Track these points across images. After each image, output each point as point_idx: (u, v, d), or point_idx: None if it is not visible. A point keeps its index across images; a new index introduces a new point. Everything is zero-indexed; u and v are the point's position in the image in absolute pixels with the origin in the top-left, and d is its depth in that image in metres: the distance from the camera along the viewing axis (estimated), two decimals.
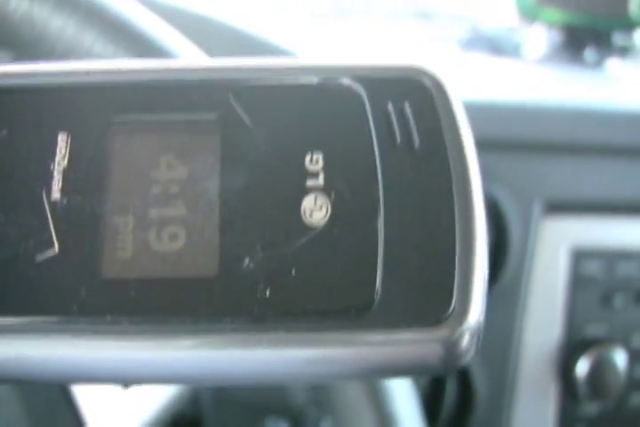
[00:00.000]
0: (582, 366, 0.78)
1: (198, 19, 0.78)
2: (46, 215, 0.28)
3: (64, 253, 0.28)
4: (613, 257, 0.80)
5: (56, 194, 0.29)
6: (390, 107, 0.30)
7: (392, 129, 0.29)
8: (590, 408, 0.81)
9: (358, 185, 0.29)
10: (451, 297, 0.27)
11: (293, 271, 0.27)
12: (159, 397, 0.72)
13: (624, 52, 1.10)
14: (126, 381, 0.30)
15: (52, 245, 0.28)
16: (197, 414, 0.78)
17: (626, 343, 0.80)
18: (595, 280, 0.79)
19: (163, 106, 0.30)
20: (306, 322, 0.27)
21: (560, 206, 0.79)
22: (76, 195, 0.29)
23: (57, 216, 0.28)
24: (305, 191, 0.29)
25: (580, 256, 0.79)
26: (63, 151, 0.29)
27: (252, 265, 0.28)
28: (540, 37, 1.10)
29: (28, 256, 0.28)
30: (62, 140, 0.29)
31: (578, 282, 0.79)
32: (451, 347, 0.27)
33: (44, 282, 0.28)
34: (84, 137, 0.30)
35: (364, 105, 0.30)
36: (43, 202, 0.28)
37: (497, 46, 1.11)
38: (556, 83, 0.95)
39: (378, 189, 0.28)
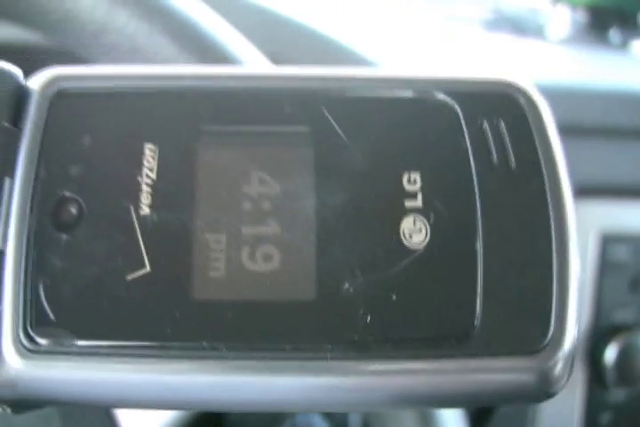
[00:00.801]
0: (610, 353, 0.77)
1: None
2: (135, 231, 0.27)
3: (155, 271, 0.27)
4: None
5: (145, 209, 0.28)
6: (486, 125, 0.29)
7: (489, 148, 0.29)
8: (618, 395, 0.80)
9: (456, 206, 0.28)
10: (549, 324, 0.27)
11: (394, 297, 0.27)
12: None
13: None
14: (221, 407, 0.29)
15: (142, 263, 0.27)
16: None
17: None
18: (623, 265, 0.78)
19: (254, 116, 0.29)
20: (407, 349, 0.27)
21: (589, 191, 0.78)
22: (166, 210, 0.28)
23: (146, 232, 0.27)
24: (404, 212, 0.28)
25: (608, 241, 0.78)
26: (151, 163, 0.28)
27: (351, 289, 0.27)
28: (563, 18, 1.08)
29: (117, 275, 0.27)
30: (150, 151, 0.28)
31: (606, 267, 0.78)
32: (545, 376, 0.27)
33: (136, 303, 0.27)
34: (173, 148, 0.28)
35: (459, 122, 0.29)
36: (131, 217, 0.27)
37: (520, 27, 1.10)
38: (581, 64, 0.93)
39: (476, 211, 0.28)
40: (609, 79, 0.85)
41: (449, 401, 0.29)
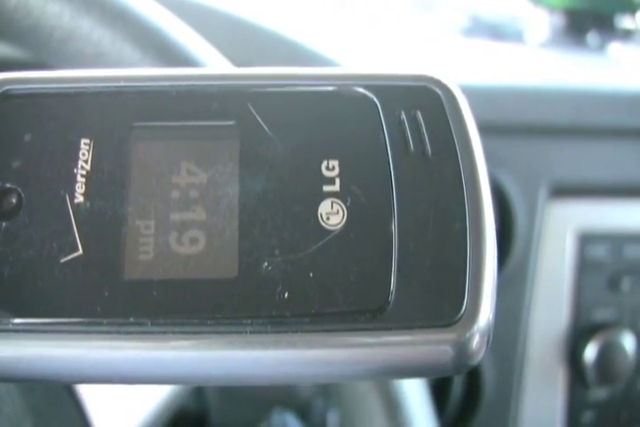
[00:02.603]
0: (590, 351, 0.78)
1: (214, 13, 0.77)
2: (70, 218, 0.29)
3: (87, 254, 0.29)
4: (620, 240, 0.79)
5: (79, 197, 0.29)
6: (403, 115, 0.31)
7: (405, 136, 0.30)
8: (599, 393, 0.80)
9: (373, 191, 0.30)
10: (462, 299, 0.28)
11: (311, 274, 0.28)
12: (162, 391, 0.71)
13: (626, 35, 1.10)
14: (146, 381, 0.30)
15: (75, 246, 0.29)
16: (202, 407, 0.78)
17: (634, 327, 0.79)
18: (602, 264, 0.79)
19: (183, 113, 0.31)
20: (322, 324, 0.28)
21: (565, 190, 0.79)
22: (99, 198, 0.29)
23: (80, 219, 0.29)
24: (322, 197, 0.30)
25: (586, 240, 0.79)
26: (86, 156, 0.30)
27: (270, 268, 0.28)
28: (542, 23, 1.09)
29: (52, 258, 0.28)
30: (85, 145, 0.30)
31: (585, 266, 0.79)
32: (462, 348, 0.28)
33: (68, 283, 0.28)
34: (107, 142, 0.30)
35: (378, 113, 0.31)
36: (66, 205, 0.29)
37: (499, 33, 1.11)
38: (559, 66, 0.94)
39: (392, 195, 0.29)
40: (585, 80, 0.85)
41: (366, 374, 0.29)
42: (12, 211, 0.29)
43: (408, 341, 0.28)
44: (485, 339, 0.28)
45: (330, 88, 0.32)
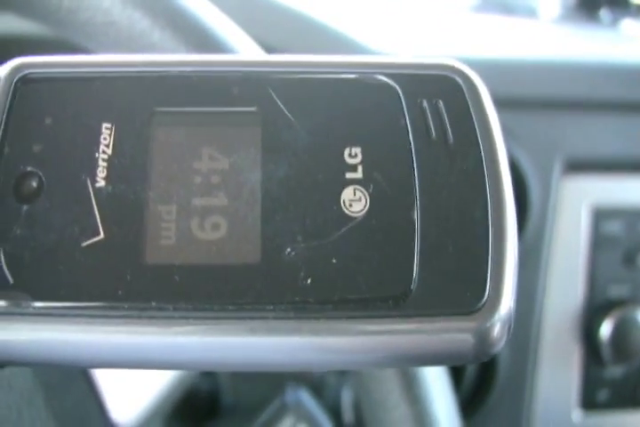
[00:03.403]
0: (606, 328, 0.77)
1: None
2: (91, 202, 0.29)
3: (109, 238, 0.29)
4: (635, 216, 0.79)
5: (101, 181, 0.29)
6: (425, 103, 0.31)
7: (427, 124, 0.31)
8: (615, 371, 0.80)
9: (395, 178, 0.30)
10: (484, 288, 0.28)
11: (334, 260, 0.28)
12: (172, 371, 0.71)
13: (639, 11, 1.09)
14: (167, 366, 0.31)
15: (97, 230, 0.29)
16: (213, 386, 0.77)
17: None
18: (617, 240, 0.78)
19: (205, 98, 0.31)
20: (345, 310, 0.28)
21: (580, 165, 0.78)
22: (120, 183, 0.29)
23: (102, 203, 0.29)
24: (344, 183, 0.30)
25: (601, 215, 0.78)
26: (107, 140, 0.30)
27: (293, 254, 0.29)
28: None
29: (73, 242, 0.28)
30: (107, 129, 0.30)
31: (599, 242, 0.78)
32: (483, 337, 0.28)
33: (90, 267, 0.28)
34: (128, 127, 0.31)
35: (400, 101, 0.31)
36: (88, 189, 0.29)
37: (510, 9, 1.10)
38: (571, 42, 0.93)
39: (414, 182, 0.30)
40: (598, 54, 0.84)
41: (387, 361, 0.30)
42: (33, 194, 0.29)
43: (430, 328, 0.28)
44: (507, 327, 0.28)
45: (352, 75, 0.32)
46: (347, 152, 0.30)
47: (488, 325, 0.28)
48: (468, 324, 0.28)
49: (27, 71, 0.31)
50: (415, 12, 1.02)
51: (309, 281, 0.28)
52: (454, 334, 0.28)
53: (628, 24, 1.06)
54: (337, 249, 0.29)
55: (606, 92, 0.79)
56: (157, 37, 0.43)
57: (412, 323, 0.28)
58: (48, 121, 0.30)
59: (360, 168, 0.30)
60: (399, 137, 0.31)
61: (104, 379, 0.57)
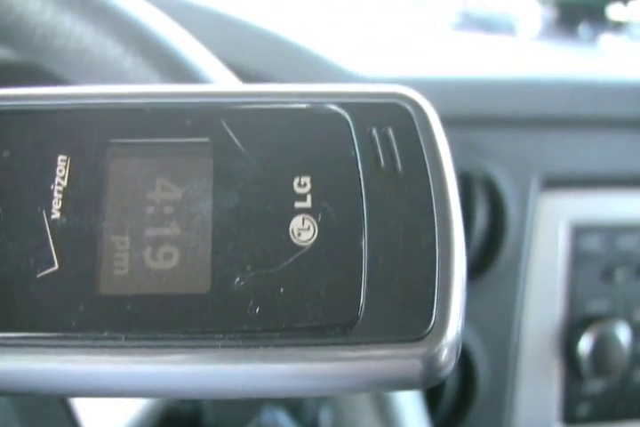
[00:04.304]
0: (585, 343, 0.77)
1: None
2: (47, 233, 0.29)
3: (63, 269, 0.29)
4: (613, 231, 0.79)
5: (56, 213, 0.30)
6: (374, 131, 0.31)
7: (376, 153, 0.31)
8: (595, 386, 0.80)
9: (344, 207, 0.30)
10: (431, 314, 0.28)
11: (282, 289, 0.29)
12: None
13: (618, 27, 1.10)
14: (122, 394, 0.30)
15: (51, 262, 0.29)
16: (194, 407, 0.77)
17: (628, 318, 0.79)
18: (595, 255, 0.79)
19: (159, 129, 0.32)
20: (293, 338, 0.28)
21: (557, 182, 0.78)
22: (75, 214, 0.30)
23: (56, 234, 0.29)
24: (293, 213, 0.30)
25: (579, 231, 0.79)
26: (63, 172, 0.30)
27: (242, 283, 0.29)
28: (533, 15, 1.09)
29: (28, 273, 0.29)
30: (62, 161, 0.31)
31: (578, 258, 0.79)
32: (430, 362, 0.28)
33: (44, 298, 0.28)
34: (83, 159, 0.31)
35: (349, 130, 0.31)
36: (43, 220, 0.29)
37: (490, 27, 1.10)
38: (551, 58, 0.94)
39: (362, 211, 0.30)
40: (576, 71, 0.85)
41: (336, 388, 0.30)
42: None
43: (377, 355, 0.28)
44: (454, 352, 0.28)
45: (303, 105, 0.32)
46: (296, 181, 0.30)
47: (435, 350, 0.28)
48: (415, 350, 0.28)
49: None
50: (395, 31, 1.02)
51: (258, 310, 0.28)
52: (402, 360, 0.28)
53: (606, 39, 1.07)
54: (285, 278, 0.29)
55: (584, 109, 0.80)
56: (129, 64, 0.44)
57: (359, 350, 0.28)
58: (5, 153, 0.31)
59: (309, 197, 0.30)
60: (348, 166, 0.31)
61: (80, 403, 0.57)
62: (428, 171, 0.30)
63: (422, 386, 0.29)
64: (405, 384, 0.29)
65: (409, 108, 0.32)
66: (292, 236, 0.30)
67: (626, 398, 0.81)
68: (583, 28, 1.07)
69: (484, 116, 0.75)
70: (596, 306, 0.79)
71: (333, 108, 0.32)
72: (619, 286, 0.79)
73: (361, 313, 0.28)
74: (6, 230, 0.29)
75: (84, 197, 0.30)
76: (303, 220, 0.30)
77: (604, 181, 0.80)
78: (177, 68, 0.44)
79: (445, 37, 1.02)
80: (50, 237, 0.29)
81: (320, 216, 0.30)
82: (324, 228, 0.30)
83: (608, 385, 0.80)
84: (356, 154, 0.31)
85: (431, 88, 0.76)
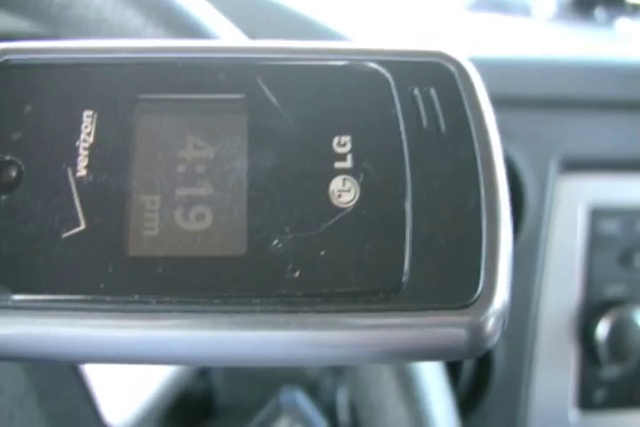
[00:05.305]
0: (602, 328, 0.77)
1: None
2: (72, 192, 0.28)
3: (90, 229, 0.28)
4: (632, 215, 0.78)
5: (82, 171, 0.29)
6: (416, 91, 0.30)
7: (418, 113, 0.30)
8: (612, 372, 0.79)
9: (386, 167, 0.29)
10: (477, 281, 0.27)
11: (322, 253, 0.28)
12: (166, 369, 0.70)
13: (634, 10, 1.09)
14: (151, 361, 0.30)
15: (77, 221, 0.28)
16: (207, 387, 0.77)
17: None
18: (613, 239, 0.78)
19: (190, 85, 0.31)
20: (334, 304, 0.27)
21: (577, 164, 0.77)
22: (102, 172, 0.29)
23: (83, 193, 0.28)
24: (333, 173, 0.29)
25: (598, 215, 0.78)
26: (89, 128, 0.29)
27: (280, 245, 0.28)
28: None
29: (54, 233, 0.28)
30: (88, 117, 0.30)
31: (596, 241, 0.78)
32: (476, 331, 0.27)
33: (71, 259, 0.27)
34: (110, 114, 0.30)
35: (390, 89, 0.30)
36: (68, 178, 0.28)
37: (505, 8, 1.09)
38: (566, 40, 0.93)
39: (405, 172, 0.29)
40: (594, 53, 0.84)
41: (377, 356, 0.29)
42: (12, 184, 0.28)
43: (421, 323, 0.27)
44: (501, 322, 0.27)
45: (341, 62, 0.31)
46: (335, 141, 0.30)
47: (481, 319, 0.27)
48: (461, 318, 0.27)
49: (7, 57, 0.31)
50: (410, 12, 1.01)
51: (297, 274, 0.27)
52: (447, 328, 0.27)
53: (622, 23, 1.06)
54: (325, 241, 0.28)
55: (602, 91, 0.79)
56: (150, 35, 0.43)
57: (403, 317, 0.27)
58: (28, 108, 0.30)
59: (349, 157, 0.29)
60: (390, 125, 0.30)
61: (97, 380, 0.57)
62: (473, 132, 0.29)
63: (467, 356, 0.28)
64: (450, 354, 0.28)
65: (451, 67, 0.31)
66: (332, 197, 0.29)
67: None
68: (599, 12, 1.06)
69: (503, 97, 0.74)
70: (614, 290, 0.78)
71: (374, 65, 0.31)
72: (637, 270, 0.78)
73: (405, 279, 0.27)
74: (30, 189, 0.28)
75: (111, 154, 0.29)
76: (344, 180, 0.29)
77: (624, 164, 0.79)
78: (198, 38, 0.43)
79: (460, 18, 1.01)
80: (75, 195, 0.28)
81: (361, 177, 0.29)
82: (365, 189, 0.29)
83: (625, 371, 0.79)
84: (397, 113, 0.30)
85: None
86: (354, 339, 0.27)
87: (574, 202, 0.78)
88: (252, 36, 0.47)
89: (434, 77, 0.31)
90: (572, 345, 0.79)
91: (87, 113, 0.30)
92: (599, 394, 0.79)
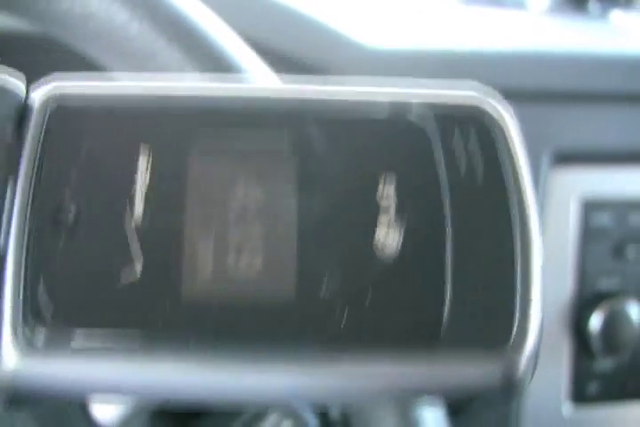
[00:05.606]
0: (595, 321, 0.77)
1: None
2: (129, 234, 0.29)
3: (147, 274, 0.29)
4: (625, 207, 0.78)
5: (138, 213, 0.29)
6: (455, 143, 0.31)
7: (457, 165, 0.31)
8: (605, 364, 0.79)
9: (427, 218, 0.30)
10: (512, 327, 0.28)
11: (367, 301, 0.29)
12: None
13: (628, 3, 1.08)
14: (204, 402, 0.31)
15: (134, 265, 0.29)
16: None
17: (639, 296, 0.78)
18: (606, 231, 0.78)
19: (242, 129, 0.31)
20: (378, 353, 0.28)
21: (569, 157, 0.77)
22: (158, 215, 0.30)
23: (139, 236, 0.29)
24: (378, 224, 0.30)
25: (590, 207, 0.78)
26: (145, 172, 0.30)
27: (328, 293, 0.29)
28: None
29: (111, 276, 0.29)
30: (143, 160, 0.30)
31: (589, 234, 0.78)
32: (510, 374, 0.28)
33: (129, 303, 0.29)
34: (165, 157, 0.30)
35: (430, 141, 0.31)
36: (125, 222, 0.29)
37: (499, 1, 1.09)
38: (560, 33, 0.92)
39: (446, 222, 0.30)
40: (587, 46, 0.84)
41: (416, 399, 0.31)
42: (70, 226, 0.29)
43: (459, 367, 0.28)
44: (532, 364, 0.29)
45: (384, 116, 0.32)
46: (379, 192, 0.30)
47: (515, 363, 0.28)
48: (496, 361, 0.28)
49: (61, 101, 0.31)
50: (404, 5, 1.01)
51: (344, 321, 0.29)
52: (482, 373, 0.28)
53: (617, 15, 1.06)
54: (371, 290, 0.29)
55: (595, 84, 0.79)
56: (136, 30, 0.43)
57: (443, 363, 0.28)
58: (84, 151, 0.30)
59: (392, 208, 0.30)
60: (430, 177, 0.31)
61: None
62: (507, 185, 0.30)
63: (502, 400, 0.29)
64: (485, 398, 0.30)
65: (489, 118, 0.32)
66: (375, 247, 0.30)
67: (636, 376, 0.80)
68: (593, 4, 1.05)
69: (496, 89, 0.74)
70: (607, 283, 0.78)
71: (414, 118, 0.32)
72: (630, 262, 0.78)
73: (445, 327, 0.29)
74: (88, 232, 0.29)
75: (167, 198, 0.30)
76: (388, 231, 0.30)
77: (616, 157, 0.79)
78: (183, 33, 0.43)
79: (454, 11, 1.01)
80: (133, 238, 0.29)
81: (404, 228, 0.30)
82: (408, 239, 0.30)
83: (618, 363, 0.79)
84: (437, 165, 0.31)
85: (440, 61, 0.76)
86: (395, 384, 0.29)
87: (567, 195, 0.78)
88: (243, 33, 0.47)
89: (472, 129, 0.31)
90: (565, 338, 0.79)
91: (143, 155, 0.30)
92: (592, 387, 0.80)
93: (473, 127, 0.31)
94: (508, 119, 0.32)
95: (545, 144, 0.76)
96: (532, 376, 0.29)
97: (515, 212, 0.30)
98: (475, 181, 0.31)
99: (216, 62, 0.43)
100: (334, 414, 0.61)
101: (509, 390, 0.29)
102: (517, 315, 0.29)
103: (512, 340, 0.28)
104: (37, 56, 0.34)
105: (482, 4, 1.08)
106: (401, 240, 0.30)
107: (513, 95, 0.77)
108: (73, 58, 0.46)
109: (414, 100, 0.32)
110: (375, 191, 0.30)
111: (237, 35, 0.46)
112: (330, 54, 0.73)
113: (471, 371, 0.28)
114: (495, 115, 0.32)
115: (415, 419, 0.46)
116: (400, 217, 0.30)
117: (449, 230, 0.30)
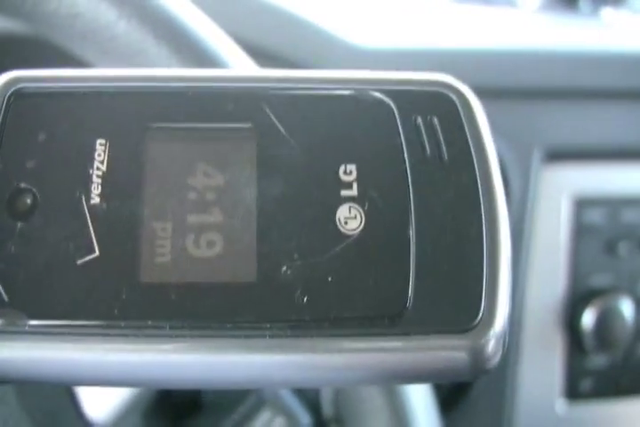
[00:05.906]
0: (588, 318, 0.77)
1: None
2: (86, 219, 0.29)
3: (104, 256, 0.29)
4: (616, 204, 0.78)
5: (95, 198, 0.29)
6: (419, 120, 0.31)
7: (422, 141, 0.31)
8: (598, 360, 0.79)
9: (390, 195, 0.30)
10: (479, 305, 0.28)
11: (329, 279, 0.29)
12: None
13: (618, 0, 1.08)
14: (164, 384, 0.31)
15: (92, 248, 0.29)
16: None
17: (632, 292, 0.78)
18: (598, 228, 0.78)
19: (199, 114, 0.32)
20: (341, 328, 0.28)
21: (560, 154, 0.77)
22: (115, 199, 0.30)
23: (96, 220, 0.29)
24: (339, 201, 0.30)
25: (582, 204, 0.78)
26: (102, 156, 0.30)
27: (289, 272, 0.29)
28: None
29: (68, 259, 0.29)
30: (101, 145, 0.30)
31: (581, 231, 0.78)
32: (478, 354, 0.28)
33: (85, 285, 0.28)
34: (122, 143, 0.31)
35: (394, 118, 0.31)
36: (83, 206, 0.29)
37: (490, 0, 1.09)
38: (551, 31, 0.93)
39: (409, 199, 0.30)
40: (578, 43, 0.84)
41: (381, 379, 0.30)
42: (28, 211, 0.29)
43: (425, 346, 0.28)
44: (501, 343, 0.28)
45: (347, 92, 0.32)
46: (342, 169, 0.30)
47: (483, 342, 0.28)
48: (463, 342, 0.28)
49: (20, 85, 0.31)
50: (396, 3, 1.01)
51: (305, 299, 0.28)
52: (449, 351, 0.28)
53: (607, 13, 1.06)
54: (332, 267, 0.29)
55: (587, 81, 0.79)
56: (123, 28, 0.43)
57: (407, 341, 0.28)
58: (42, 137, 0.30)
59: (355, 185, 0.30)
60: (394, 154, 0.31)
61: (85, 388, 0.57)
62: (474, 160, 0.30)
63: (469, 377, 0.29)
64: (452, 376, 0.29)
65: (453, 96, 0.32)
66: (338, 224, 0.30)
67: (629, 372, 0.80)
68: (584, 2, 1.05)
69: (485, 87, 0.74)
70: (599, 280, 0.78)
71: (378, 95, 0.32)
72: (622, 259, 0.78)
73: (409, 304, 0.28)
74: (45, 216, 0.29)
75: (123, 182, 0.30)
76: (350, 208, 0.30)
77: (607, 154, 0.79)
78: (171, 32, 0.43)
79: (445, 9, 1.01)
80: (90, 222, 0.29)
81: (367, 205, 0.30)
82: (370, 216, 0.30)
83: (611, 360, 0.80)
84: (401, 142, 0.31)
85: (430, 59, 0.76)
86: (360, 362, 0.28)
87: (558, 192, 0.78)
88: (232, 32, 0.47)
89: (436, 106, 0.32)
90: (558, 335, 0.79)
91: (100, 141, 0.30)
92: (586, 384, 0.80)
93: (440, 107, 0.32)
94: (472, 97, 0.32)
95: (536, 141, 0.77)
96: (501, 356, 0.29)
97: (481, 186, 0.30)
98: (441, 159, 0.30)
99: (204, 61, 0.43)
100: (327, 411, 0.61)
101: (477, 370, 0.28)
102: (485, 295, 0.28)
103: (479, 320, 0.28)
104: (28, 57, 0.34)
105: (473, 2, 1.08)
106: (363, 218, 0.30)
107: (504, 93, 0.78)
108: (63, 58, 0.46)
109: (377, 77, 0.33)
110: (337, 169, 0.30)
111: (226, 34, 0.46)
112: (319, 53, 0.73)
113: (437, 350, 0.28)
114: (460, 90, 0.32)
115: (407, 415, 0.46)
116: (363, 195, 0.30)
117: (413, 207, 0.30)
